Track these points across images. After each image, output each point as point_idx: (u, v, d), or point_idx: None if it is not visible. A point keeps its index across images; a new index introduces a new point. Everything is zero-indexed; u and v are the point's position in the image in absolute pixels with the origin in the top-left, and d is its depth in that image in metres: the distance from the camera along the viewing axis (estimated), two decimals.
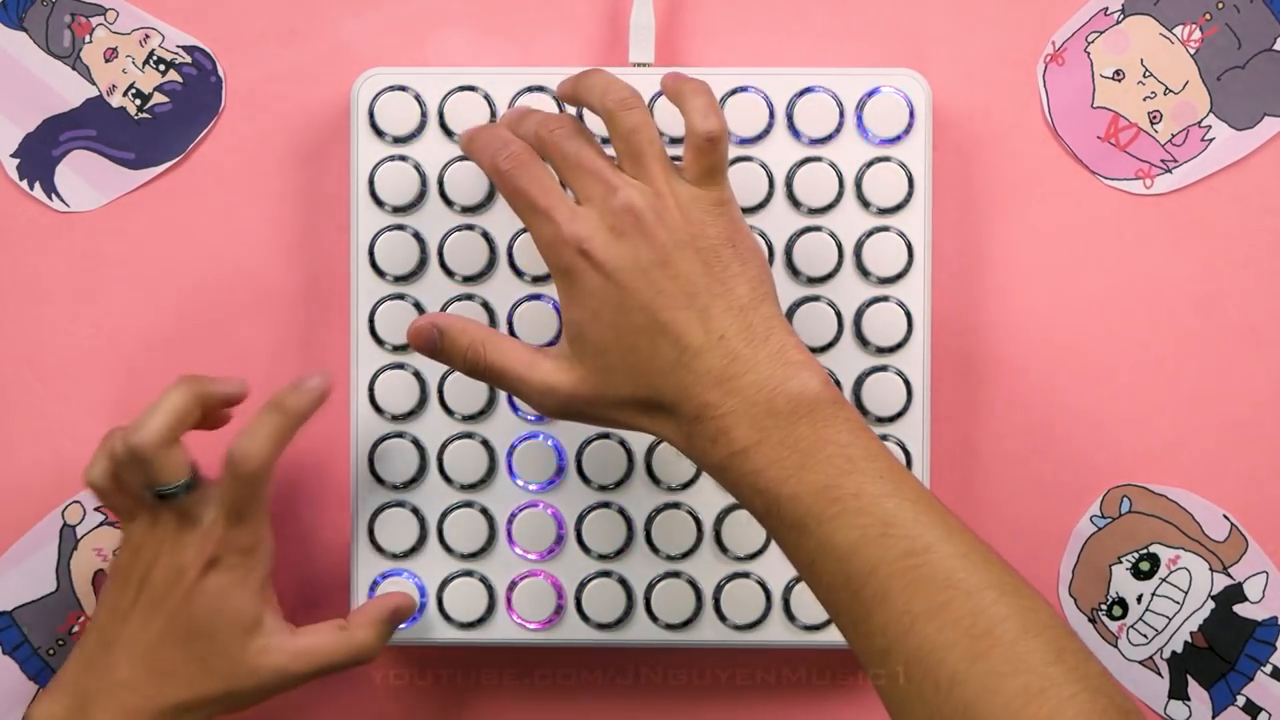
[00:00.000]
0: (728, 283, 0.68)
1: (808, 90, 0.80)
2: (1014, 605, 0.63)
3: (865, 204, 0.80)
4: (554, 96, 0.79)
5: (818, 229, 0.80)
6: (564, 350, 0.70)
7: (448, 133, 0.80)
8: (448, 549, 0.81)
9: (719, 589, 0.80)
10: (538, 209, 0.69)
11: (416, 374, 0.80)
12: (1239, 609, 0.83)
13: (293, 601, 0.83)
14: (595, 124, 0.75)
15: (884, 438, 0.80)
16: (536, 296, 0.80)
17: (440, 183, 0.80)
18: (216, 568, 0.74)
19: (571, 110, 0.78)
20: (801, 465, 0.66)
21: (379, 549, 0.81)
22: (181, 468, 0.74)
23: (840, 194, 0.80)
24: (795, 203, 0.80)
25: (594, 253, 0.68)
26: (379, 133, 0.80)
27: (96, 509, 0.84)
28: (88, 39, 0.83)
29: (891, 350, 0.80)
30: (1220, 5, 0.82)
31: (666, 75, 0.72)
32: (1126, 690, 0.83)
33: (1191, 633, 0.83)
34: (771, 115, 0.80)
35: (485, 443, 0.80)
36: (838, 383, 0.80)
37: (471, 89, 0.80)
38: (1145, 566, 0.83)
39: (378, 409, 0.80)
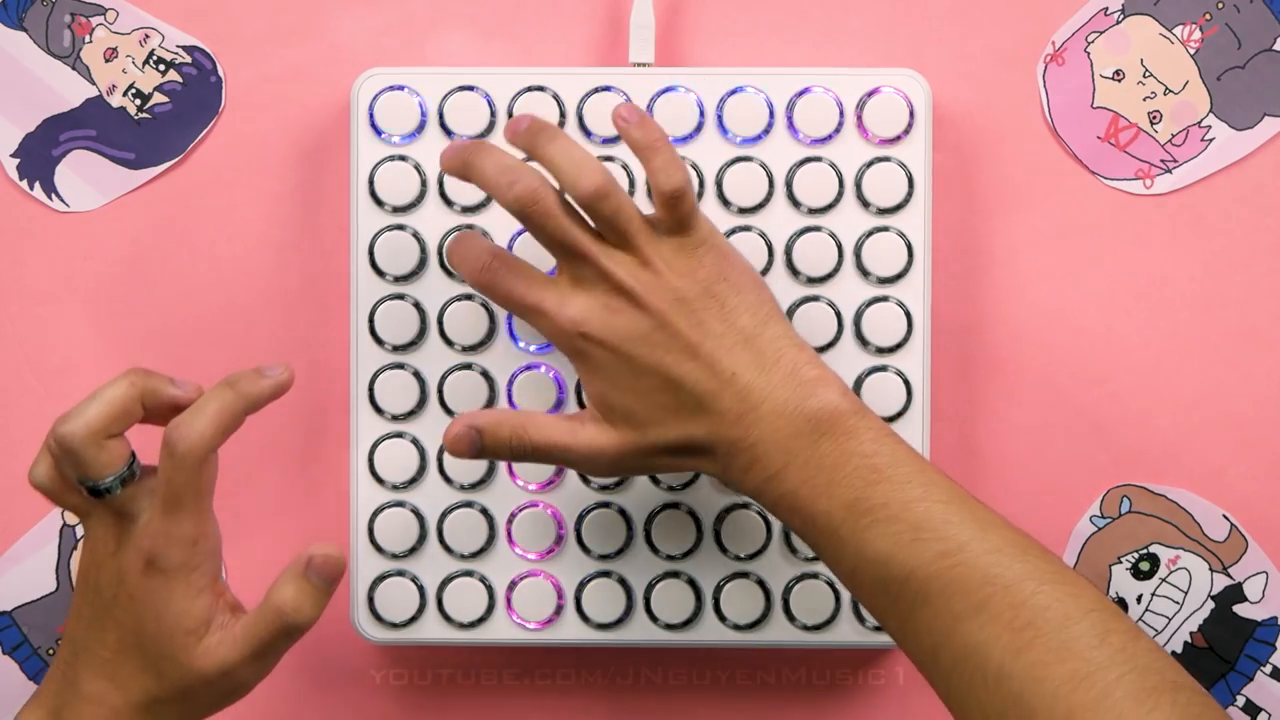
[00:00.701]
0: (727, 319, 0.70)
1: (808, 90, 0.80)
2: (1055, 593, 0.64)
3: (865, 204, 0.80)
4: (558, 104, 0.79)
5: (818, 229, 0.80)
6: (595, 415, 0.72)
7: (448, 133, 0.80)
8: (448, 549, 0.81)
9: (719, 589, 0.80)
10: (529, 307, 0.71)
11: (416, 374, 0.80)
12: (1239, 609, 0.83)
13: None
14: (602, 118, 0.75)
15: None
16: None
17: (440, 183, 0.80)
18: (155, 567, 0.69)
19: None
20: (830, 482, 0.68)
21: (379, 549, 0.81)
22: (115, 461, 0.69)
23: (840, 194, 0.80)
24: (795, 203, 0.80)
25: (594, 333, 0.70)
26: (379, 133, 0.80)
27: None
28: (88, 39, 0.83)
29: (891, 350, 0.80)
30: (1220, 5, 0.82)
31: (616, 117, 0.72)
32: None
33: (1191, 633, 0.83)
34: (771, 115, 0.80)
35: None
36: None
37: (471, 89, 0.80)
38: (1145, 566, 0.83)
39: (377, 409, 0.80)
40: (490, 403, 0.80)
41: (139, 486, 0.70)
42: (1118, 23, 0.83)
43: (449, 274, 0.80)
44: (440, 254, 0.80)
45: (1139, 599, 0.83)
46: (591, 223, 0.72)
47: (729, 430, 0.69)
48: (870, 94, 0.79)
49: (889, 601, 0.66)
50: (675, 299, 0.70)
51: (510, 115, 0.80)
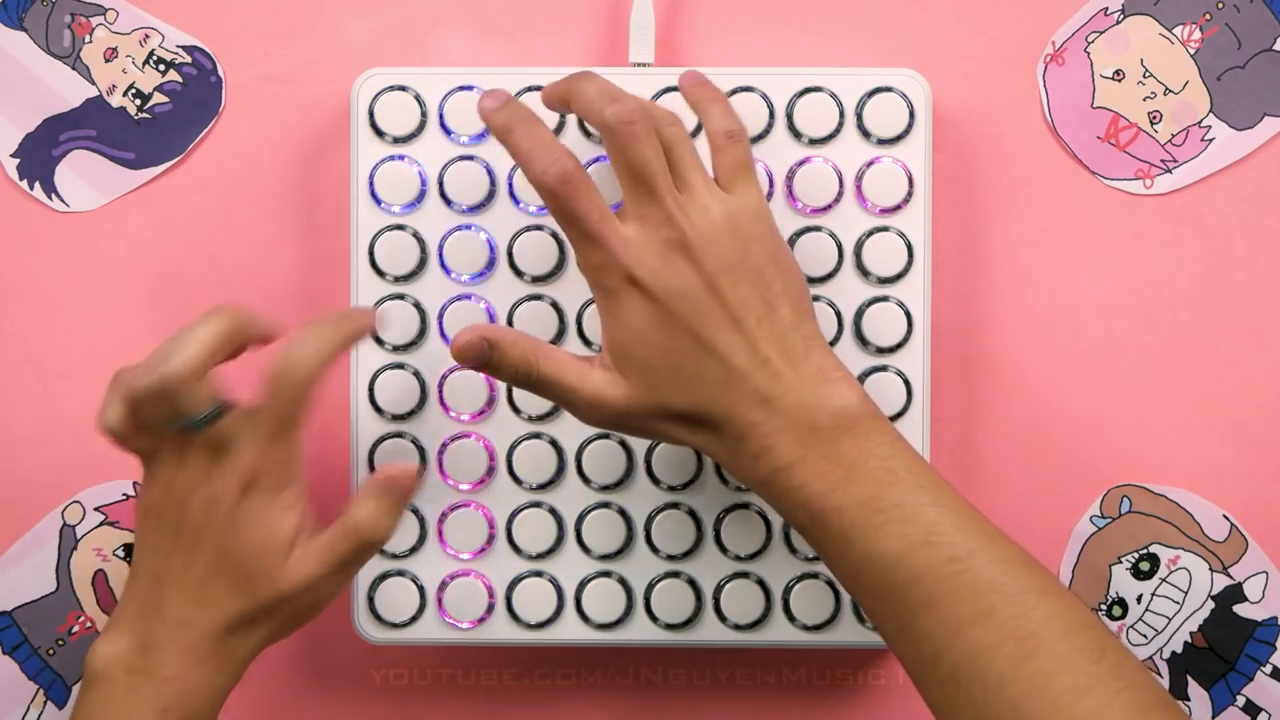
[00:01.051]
0: (771, 304, 0.70)
1: (808, 90, 0.80)
2: (1055, 607, 0.64)
3: (865, 204, 0.80)
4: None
5: (818, 229, 0.80)
6: (608, 363, 0.71)
7: (448, 133, 0.80)
8: (448, 549, 0.81)
9: (719, 589, 0.80)
10: (591, 235, 0.69)
11: (416, 374, 0.80)
12: (1239, 609, 0.83)
13: None
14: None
15: None
16: (536, 297, 0.80)
17: (440, 183, 0.80)
18: (252, 490, 0.71)
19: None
20: (845, 479, 0.67)
21: (379, 549, 0.80)
22: (211, 396, 0.70)
23: (840, 194, 0.80)
24: (795, 203, 0.80)
25: (644, 279, 0.69)
26: (379, 133, 0.80)
27: (97, 509, 0.84)
28: (88, 39, 0.83)
29: (891, 350, 0.80)
30: (1220, 5, 0.82)
31: (684, 75, 0.73)
32: None
33: (1191, 633, 0.83)
34: (771, 115, 0.80)
35: (485, 443, 0.80)
36: None
37: (471, 89, 0.80)
38: (1145, 566, 0.83)
39: (378, 409, 0.80)
40: (491, 403, 0.80)
41: (232, 417, 0.71)
42: (1118, 23, 0.83)
43: (449, 274, 0.80)
44: (440, 254, 0.80)
45: (1139, 599, 0.83)
46: None
47: (749, 412, 0.69)
48: (870, 94, 0.79)
49: (893, 604, 0.66)
50: (731, 263, 0.69)
51: None
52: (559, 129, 0.80)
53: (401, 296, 0.80)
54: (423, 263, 0.80)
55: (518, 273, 0.80)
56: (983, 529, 0.67)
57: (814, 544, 0.69)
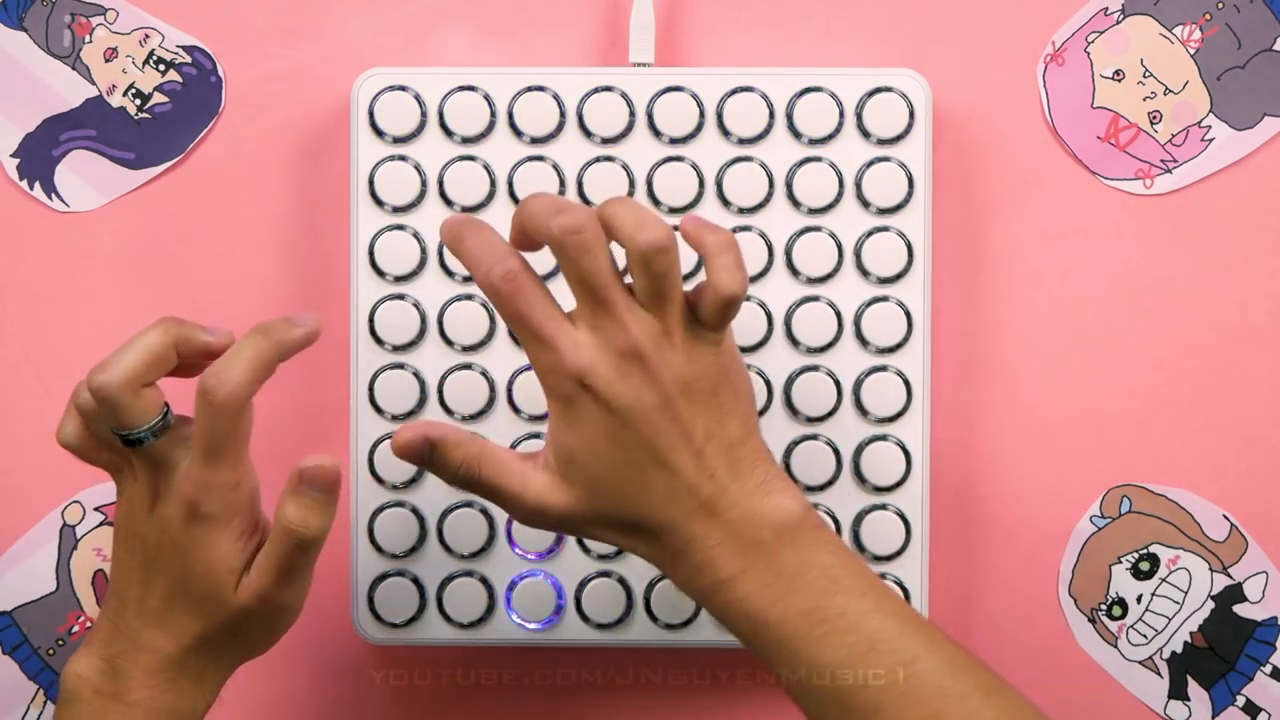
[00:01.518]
0: (721, 420, 0.69)
1: (808, 90, 0.80)
2: (1002, 707, 0.65)
3: (865, 204, 0.80)
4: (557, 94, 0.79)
5: (818, 229, 0.80)
6: (551, 466, 0.69)
7: (448, 133, 0.80)
8: (448, 549, 0.81)
9: None
10: (540, 337, 0.68)
11: (416, 374, 0.80)
12: (1239, 609, 0.83)
13: None
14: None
15: (884, 438, 0.80)
16: None
17: (440, 183, 0.80)
18: (197, 515, 0.69)
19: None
20: (787, 590, 0.67)
21: (379, 549, 0.81)
22: (151, 409, 0.68)
23: (840, 194, 0.80)
24: (795, 203, 0.80)
25: (597, 387, 0.67)
26: (379, 133, 0.80)
27: (96, 509, 0.84)
28: (88, 39, 0.83)
29: (891, 350, 0.80)
30: (1220, 5, 0.82)
31: (687, 220, 0.70)
32: (1126, 691, 0.83)
33: (1191, 633, 0.83)
34: (771, 115, 0.80)
35: None
36: (837, 384, 0.80)
37: (471, 89, 0.80)
38: (1145, 566, 0.83)
39: (378, 409, 0.80)
40: (491, 403, 0.80)
41: (175, 435, 0.69)
42: (1118, 23, 0.83)
43: (449, 274, 0.80)
44: (440, 254, 0.80)
45: (1139, 599, 0.83)
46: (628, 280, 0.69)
47: (692, 525, 0.68)
48: (870, 94, 0.79)
49: (840, 712, 0.66)
50: (684, 383, 0.68)
51: (510, 115, 0.80)
52: (559, 129, 0.80)
53: (401, 296, 0.80)
54: (423, 263, 0.80)
55: None
56: (925, 632, 0.67)
57: (759, 654, 0.69)
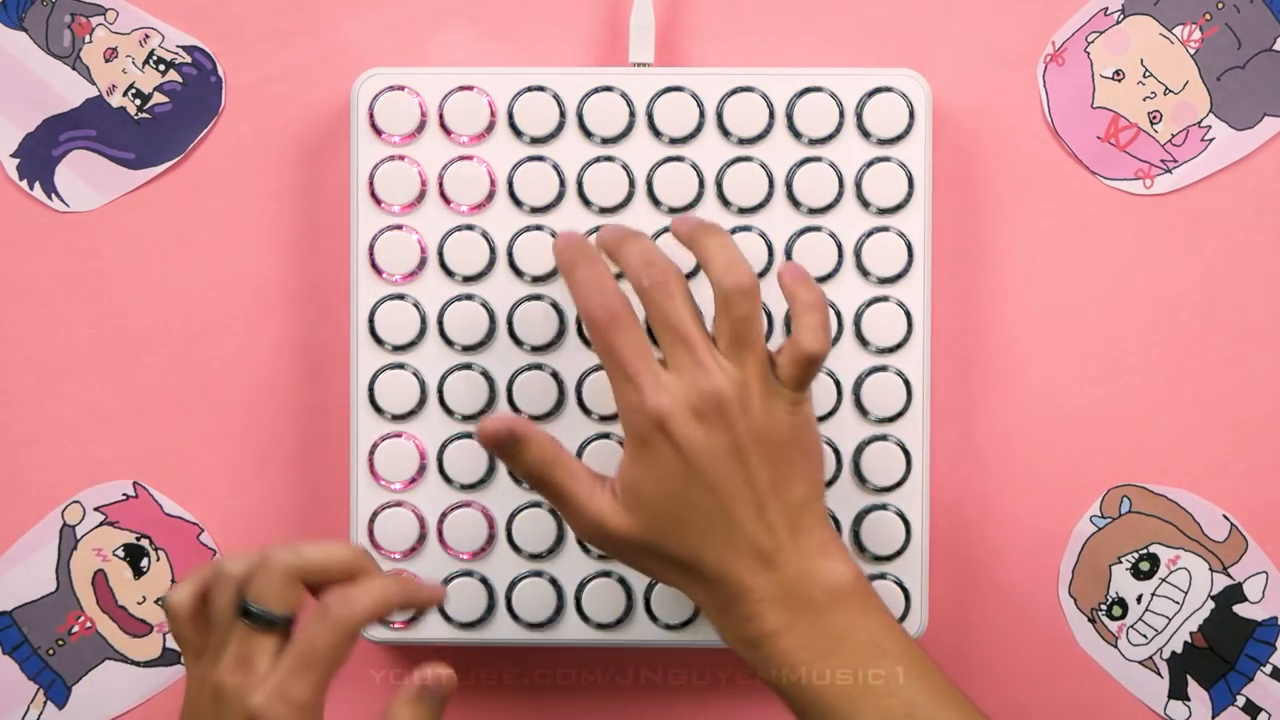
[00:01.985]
0: (789, 480, 0.70)
1: (808, 90, 0.80)
2: None
3: (865, 204, 0.80)
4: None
5: (818, 229, 0.80)
6: (615, 492, 0.71)
7: (448, 133, 0.80)
8: (448, 549, 0.81)
9: None
10: (626, 373, 0.70)
11: (416, 374, 0.80)
12: (1239, 609, 0.83)
13: None
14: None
15: (884, 438, 0.80)
16: (536, 297, 0.80)
17: (440, 183, 0.80)
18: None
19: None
20: (832, 650, 0.69)
21: (379, 549, 0.81)
22: (295, 603, 0.67)
23: (840, 194, 0.80)
24: (795, 203, 0.80)
25: (673, 431, 0.69)
26: (379, 133, 0.80)
27: (96, 509, 0.84)
28: (88, 39, 0.83)
29: (891, 350, 0.80)
30: (1220, 5, 0.82)
31: (786, 270, 0.72)
32: (1126, 691, 0.83)
33: (1191, 633, 0.83)
34: (771, 115, 0.80)
35: None
36: (837, 383, 0.80)
37: (471, 89, 0.80)
38: (1145, 566, 0.83)
39: (377, 409, 0.80)
40: (491, 403, 0.80)
41: (274, 638, 0.67)
42: (1118, 23, 0.83)
43: (449, 274, 0.80)
44: (441, 254, 0.80)
45: (1139, 599, 0.83)
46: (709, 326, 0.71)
47: (747, 575, 0.70)
48: (870, 94, 0.79)
49: None
50: (757, 437, 0.70)
51: (510, 115, 0.80)
52: (559, 129, 0.80)
53: (401, 297, 0.80)
54: (423, 263, 0.80)
55: (518, 273, 0.80)
56: (962, 707, 0.69)
57: (794, 710, 0.70)
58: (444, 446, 0.80)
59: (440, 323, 0.80)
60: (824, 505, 0.72)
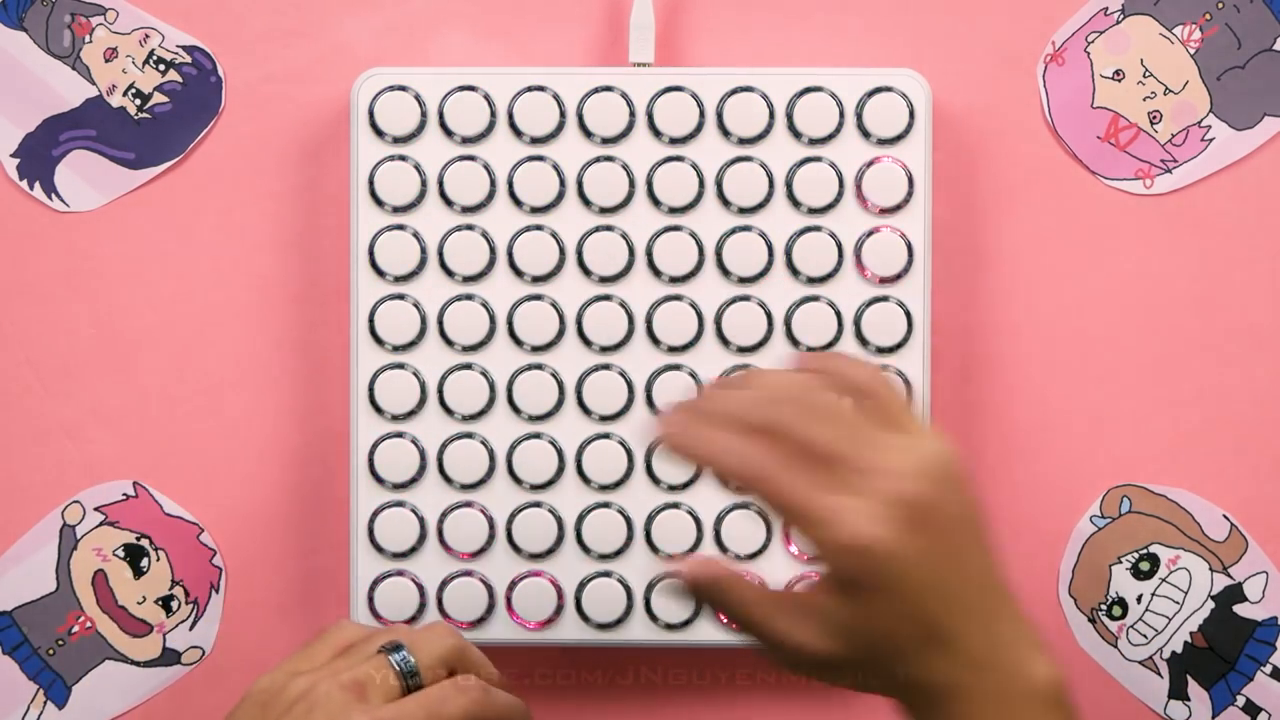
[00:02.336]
0: (985, 554, 0.63)
1: (808, 90, 0.80)
2: None
3: (865, 204, 0.80)
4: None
5: (818, 229, 0.80)
6: (819, 617, 0.63)
7: (448, 133, 0.80)
8: (448, 549, 0.81)
9: None
10: (805, 514, 0.61)
11: (416, 374, 0.80)
12: (1239, 609, 0.83)
13: (292, 601, 0.83)
14: None
15: None
16: (537, 297, 0.80)
17: (440, 183, 0.80)
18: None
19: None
20: None
21: (379, 549, 0.80)
22: (433, 678, 0.69)
23: (840, 194, 0.80)
24: (795, 203, 0.80)
25: (874, 553, 0.60)
26: (379, 133, 0.80)
27: (96, 509, 0.84)
28: (88, 39, 0.83)
29: (891, 350, 0.80)
30: (1220, 5, 0.82)
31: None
32: (1126, 691, 0.83)
33: (1191, 633, 0.83)
34: (771, 115, 0.80)
35: (485, 443, 0.80)
36: None
37: (471, 89, 0.80)
38: (1145, 566, 0.83)
39: (377, 409, 0.80)
40: (491, 403, 0.80)
41: (397, 690, 0.69)
42: (1118, 23, 0.83)
43: (449, 274, 0.80)
44: (441, 254, 0.80)
45: (1139, 599, 0.83)
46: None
47: (964, 675, 0.62)
48: (870, 94, 0.79)
49: None
50: (951, 518, 0.61)
51: (510, 115, 0.80)
52: (559, 129, 0.80)
53: (401, 296, 0.80)
54: (423, 263, 0.80)
55: (518, 273, 0.80)
56: None
57: None
58: (444, 446, 0.80)
59: (440, 323, 0.80)
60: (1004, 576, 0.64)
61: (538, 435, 0.80)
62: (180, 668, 0.84)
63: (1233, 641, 0.83)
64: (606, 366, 0.80)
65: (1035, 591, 0.83)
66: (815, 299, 0.80)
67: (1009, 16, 0.83)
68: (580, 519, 0.81)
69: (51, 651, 0.84)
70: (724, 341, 0.80)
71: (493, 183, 0.80)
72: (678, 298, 0.80)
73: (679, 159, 0.80)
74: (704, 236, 0.80)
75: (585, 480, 0.80)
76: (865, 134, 0.80)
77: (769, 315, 0.80)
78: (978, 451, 0.83)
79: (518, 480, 0.80)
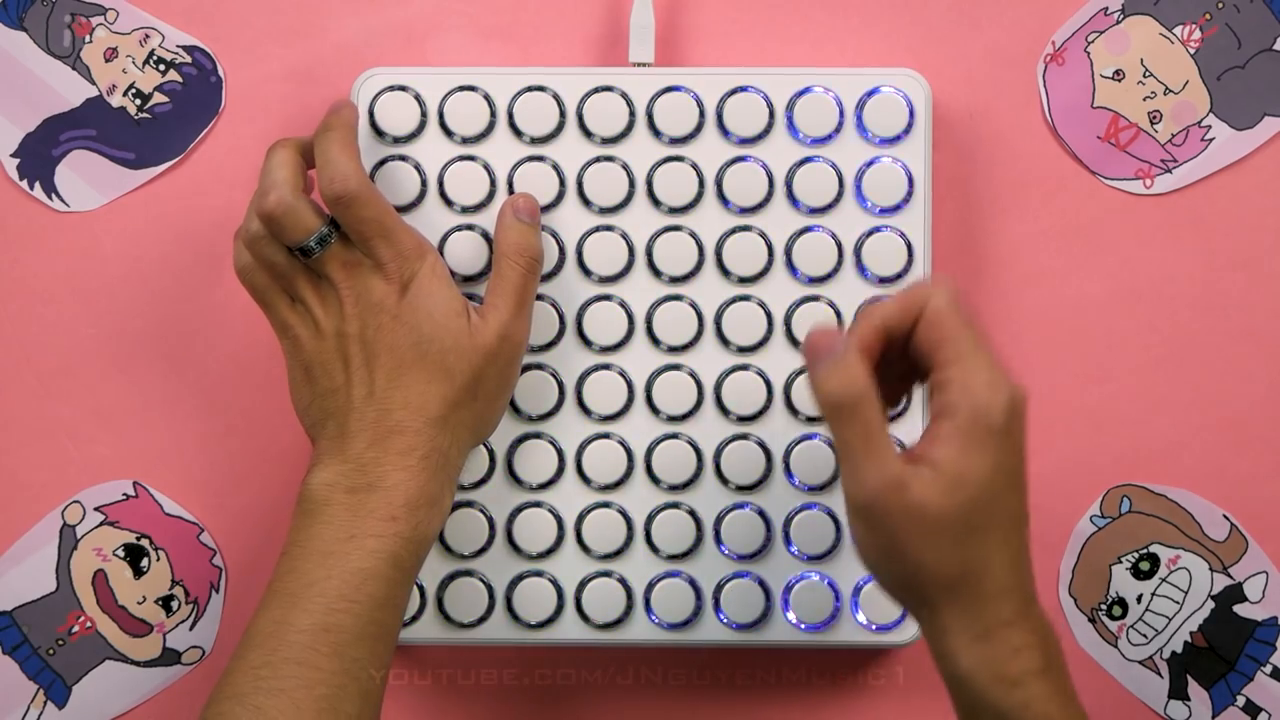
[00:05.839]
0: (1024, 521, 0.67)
1: (808, 90, 0.80)
2: None
3: (865, 204, 0.80)
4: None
5: (818, 229, 0.80)
6: (934, 467, 0.65)
7: (448, 133, 0.80)
8: (448, 549, 0.81)
9: (719, 589, 0.80)
10: (984, 357, 0.65)
11: None
12: (1239, 609, 0.83)
13: None
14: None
15: None
16: (537, 297, 0.80)
17: (440, 183, 0.80)
18: (409, 284, 0.73)
19: None
20: (1068, 698, 0.65)
21: None
22: (316, 217, 0.73)
23: (840, 194, 0.80)
24: (795, 203, 0.80)
25: (1017, 428, 0.65)
26: (379, 133, 0.80)
27: (96, 509, 0.84)
28: (88, 39, 0.83)
29: None
30: (1220, 5, 0.82)
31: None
32: (1126, 691, 0.83)
33: (1191, 633, 0.83)
34: (771, 115, 0.80)
35: (485, 443, 0.80)
36: None
37: (471, 89, 0.80)
38: (1145, 566, 0.83)
39: None
40: None
41: (343, 245, 0.74)
42: (1118, 23, 0.83)
43: (450, 273, 0.80)
44: (441, 254, 0.80)
45: (1139, 599, 0.83)
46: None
47: (1026, 602, 0.65)
48: (870, 94, 0.79)
49: None
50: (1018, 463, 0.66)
51: (510, 115, 0.80)
52: (559, 129, 0.80)
53: None
54: None
55: None
56: None
57: None
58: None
59: None
60: None
61: (538, 435, 0.80)
62: (180, 668, 0.84)
63: (1233, 641, 0.83)
64: (606, 366, 0.80)
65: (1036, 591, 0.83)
66: (815, 299, 0.80)
67: (1009, 16, 0.83)
68: (580, 519, 0.81)
69: (51, 651, 0.84)
70: (724, 341, 0.80)
71: (493, 183, 0.80)
72: (678, 298, 0.80)
73: (679, 159, 0.80)
74: (704, 236, 0.80)
75: (585, 480, 0.80)
76: (865, 134, 0.80)
77: (769, 315, 0.80)
78: None
79: (518, 480, 0.81)
